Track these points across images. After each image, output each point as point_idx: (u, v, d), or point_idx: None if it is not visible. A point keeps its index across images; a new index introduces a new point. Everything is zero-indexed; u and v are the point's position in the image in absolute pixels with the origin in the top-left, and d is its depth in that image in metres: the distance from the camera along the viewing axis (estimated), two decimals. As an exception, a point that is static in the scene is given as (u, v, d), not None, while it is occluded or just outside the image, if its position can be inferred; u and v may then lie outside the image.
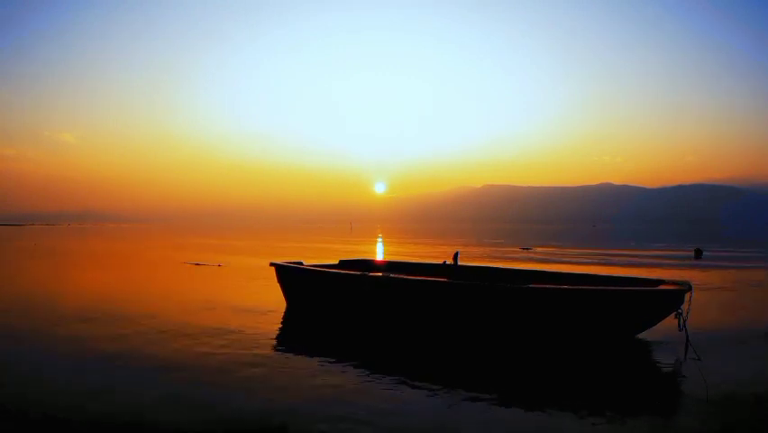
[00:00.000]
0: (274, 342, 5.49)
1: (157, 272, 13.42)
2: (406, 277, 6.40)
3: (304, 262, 7.88)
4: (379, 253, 23.41)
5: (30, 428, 3.23)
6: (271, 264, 7.78)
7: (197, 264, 15.26)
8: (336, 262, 8.53)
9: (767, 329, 6.08)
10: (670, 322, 5.18)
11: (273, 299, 7.87)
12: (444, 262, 7.80)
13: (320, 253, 21.28)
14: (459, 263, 7.57)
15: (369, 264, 8.62)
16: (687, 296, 5.15)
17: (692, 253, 20.61)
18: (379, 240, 39.74)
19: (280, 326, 6.41)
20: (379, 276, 6.48)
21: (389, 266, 8.46)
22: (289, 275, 7.56)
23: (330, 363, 4.68)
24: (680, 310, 5.13)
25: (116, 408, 3.53)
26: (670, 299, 5.14)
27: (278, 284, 7.79)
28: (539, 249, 24.74)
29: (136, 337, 5.58)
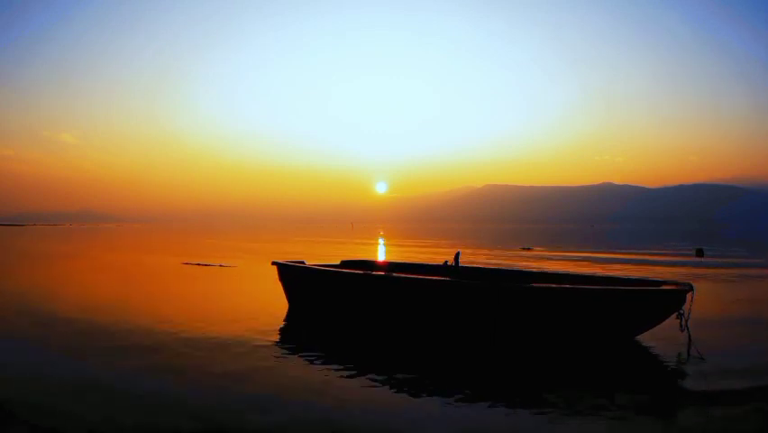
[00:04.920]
0: (275, 344, 5.47)
1: (157, 273, 13.42)
2: (409, 276, 6.40)
3: (306, 262, 7.88)
4: (381, 254, 23.40)
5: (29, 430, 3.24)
6: (273, 263, 7.78)
7: (199, 265, 15.26)
8: (338, 262, 8.54)
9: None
10: (672, 323, 5.18)
11: (275, 299, 7.87)
12: (446, 262, 7.80)
13: (321, 253, 21.27)
14: (460, 264, 7.58)
15: (370, 265, 8.63)
16: (688, 296, 5.16)
17: (693, 253, 20.58)
18: (380, 240, 39.72)
19: (282, 326, 6.41)
20: (382, 275, 6.48)
21: (391, 267, 8.47)
22: (291, 275, 7.55)
23: (331, 366, 4.68)
24: (681, 311, 5.13)
25: (114, 410, 3.54)
26: (671, 299, 5.14)
27: (279, 284, 7.78)
28: (539, 249, 24.73)
29: (135, 338, 5.57)
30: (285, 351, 5.15)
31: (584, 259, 18.62)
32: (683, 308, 5.13)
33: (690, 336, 5.04)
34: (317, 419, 3.37)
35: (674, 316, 5.15)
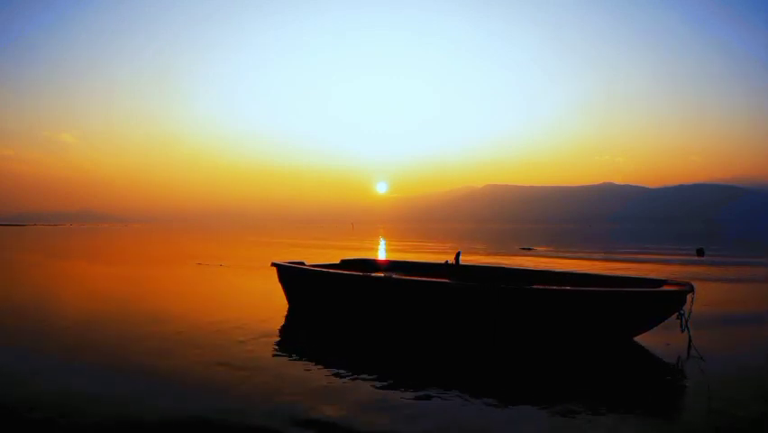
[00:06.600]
0: (275, 345, 5.46)
1: (158, 272, 13.42)
2: (410, 278, 6.39)
3: (306, 262, 7.87)
4: (381, 253, 23.39)
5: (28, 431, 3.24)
6: (273, 264, 7.77)
7: (199, 264, 15.27)
8: (338, 261, 8.54)
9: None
10: (672, 323, 5.18)
11: (275, 300, 7.87)
12: (447, 261, 7.80)
13: (321, 254, 21.26)
14: (460, 263, 7.59)
15: (370, 264, 8.63)
16: (689, 297, 5.15)
17: (694, 253, 20.57)
18: (381, 240, 39.70)
19: (282, 327, 6.40)
20: (381, 277, 6.47)
21: (391, 265, 8.46)
22: (291, 275, 7.54)
23: (331, 367, 4.67)
24: (682, 311, 5.13)
25: (113, 409, 3.54)
26: (672, 299, 5.14)
27: (279, 285, 7.78)
28: (540, 249, 24.72)
29: (135, 337, 5.57)
30: (284, 352, 5.15)
31: (585, 259, 18.59)
32: (683, 308, 5.13)
33: (690, 336, 5.05)
34: (317, 419, 3.37)
35: (674, 316, 5.16)
